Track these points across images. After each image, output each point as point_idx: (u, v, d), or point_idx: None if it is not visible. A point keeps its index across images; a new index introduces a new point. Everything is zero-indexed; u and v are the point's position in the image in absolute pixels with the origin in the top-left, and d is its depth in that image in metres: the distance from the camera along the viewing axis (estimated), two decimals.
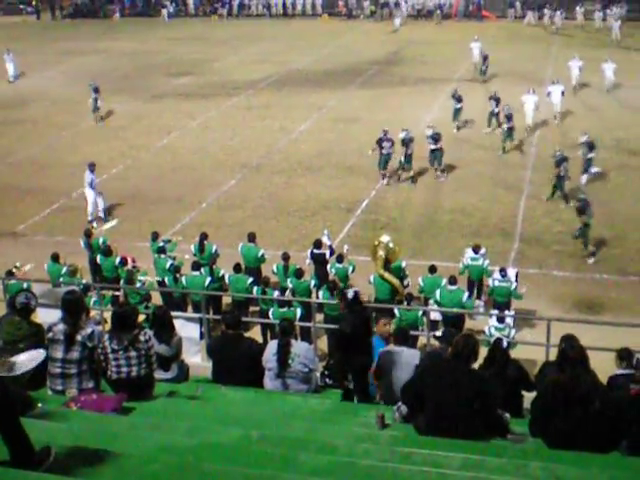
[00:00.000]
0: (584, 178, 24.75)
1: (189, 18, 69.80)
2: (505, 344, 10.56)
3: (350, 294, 11.19)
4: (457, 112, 31.14)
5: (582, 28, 54.27)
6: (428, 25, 60.42)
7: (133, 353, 8.60)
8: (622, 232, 21.62)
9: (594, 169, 25.21)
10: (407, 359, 9.75)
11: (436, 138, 25.76)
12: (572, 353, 7.93)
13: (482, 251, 17.63)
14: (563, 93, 32.45)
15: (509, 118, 28.27)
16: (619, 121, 31.85)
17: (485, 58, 40.17)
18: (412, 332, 13.96)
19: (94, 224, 19.56)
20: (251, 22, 66.41)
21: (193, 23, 65.95)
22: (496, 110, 30.12)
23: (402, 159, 25.60)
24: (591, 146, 24.87)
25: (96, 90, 33.96)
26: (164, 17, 67.84)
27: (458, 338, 8.21)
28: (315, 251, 17.67)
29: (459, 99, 30.96)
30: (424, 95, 37.00)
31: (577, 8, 56.34)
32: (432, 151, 25.94)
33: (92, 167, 23.44)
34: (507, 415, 8.24)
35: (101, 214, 23.56)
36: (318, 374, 11.46)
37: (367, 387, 10.60)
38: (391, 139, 25.71)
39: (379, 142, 25.78)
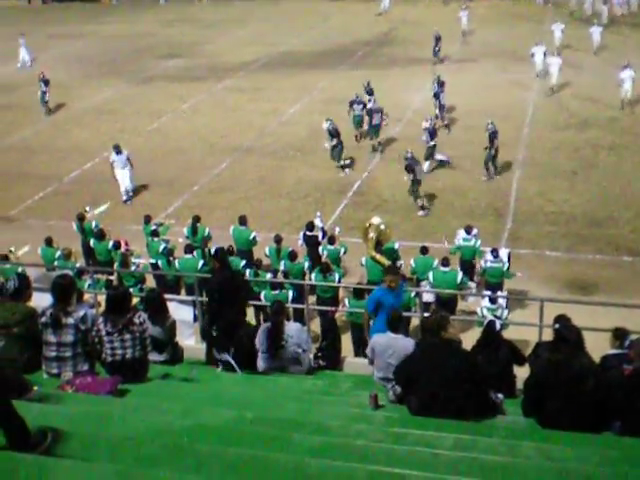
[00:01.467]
0: (426, 165, 24.50)
1: (177, 1, 69.24)
2: (498, 326, 10.57)
3: (212, 250, 11.34)
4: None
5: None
6: (419, 5, 60.03)
7: (127, 336, 8.61)
8: (615, 212, 21.68)
9: (440, 156, 25.13)
10: (400, 346, 9.69)
11: (333, 133, 25.36)
12: (567, 333, 7.95)
13: (474, 232, 17.65)
14: (545, 54, 35.10)
15: (437, 96, 29.00)
16: (612, 100, 31.80)
17: (438, 39, 39.21)
18: (405, 314, 14.04)
19: (87, 208, 19.53)
20: (240, 3, 66.00)
21: (184, 5, 65.46)
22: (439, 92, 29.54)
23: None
24: (432, 133, 24.72)
25: (46, 83, 33.00)
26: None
27: (426, 316, 8.42)
28: (307, 233, 17.69)
29: (370, 93, 29.40)
30: (415, 76, 36.93)
31: None
32: (332, 147, 25.49)
33: (117, 149, 23.61)
34: (500, 396, 8.29)
35: (124, 196, 23.83)
36: (311, 355, 11.51)
37: (242, 351, 10.51)
38: (362, 102, 27.73)
39: (351, 104, 28.05)
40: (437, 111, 29.16)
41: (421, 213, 22.07)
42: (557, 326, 8.73)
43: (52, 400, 7.52)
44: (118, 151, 23.55)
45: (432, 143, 24.60)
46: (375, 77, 31.93)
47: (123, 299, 8.90)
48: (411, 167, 21.94)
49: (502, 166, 25.05)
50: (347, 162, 25.89)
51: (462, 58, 40.68)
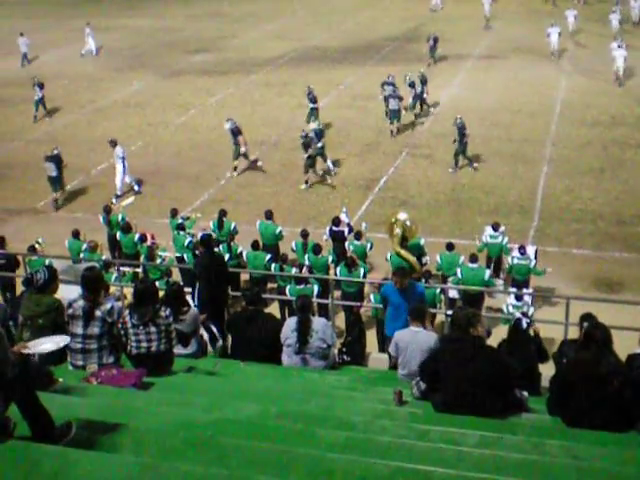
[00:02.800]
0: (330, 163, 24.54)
1: None
2: (525, 324, 10.48)
3: (200, 235, 14.13)
4: (312, 112, 28.60)
5: None
6: (447, 1, 59.65)
7: (153, 328, 8.65)
8: None
9: (329, 164, 24.70)
10: (422, 341, 9.62)
11: (235, 132, 25.22)
12: (595, 332, 7.89)
13: (501, 229, 17.59)
14: (560, 34, 38.71)
15: (411, 86, 29.70)
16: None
17: (435, 41, 38.22)
18: (430, 310, 14.01)
19: (113, 200, 19.66)
20: None
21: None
22: (419, 90, 29.94)
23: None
24: (318, 134, 24.44)
25: (41, 87, 31.62)
26: None
27: (455, 311, 8.36)
28: (334, 228, 17.69)
29: (313, 99, 28.84)
30: (443, 72, 36.83)
31: None
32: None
33: (111, 143, 23.77)
34: (525, 393, 8.25)
35: (119, 191, 23.86)
36: (335, 350, 11.50)
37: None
38: (392, 83, 29.24)
39: (382, 85, 29.64)
40: (411, 100, 29.73)
41: (303, 186, 24.00)
42: (585, 325, 8.67)
43: (77, 392, 7.57)
44: (113, 145, 23.73)
45: (320, 144, 24.25)
46: (403, 73, 31.85)
47: (150, 292, 8.95)
48: (307, 145, 23.95)
49: (529, 163, 24.97)
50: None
51: (490, 54, 40.48)
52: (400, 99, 27.84)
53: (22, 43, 41.84)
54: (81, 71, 40.21)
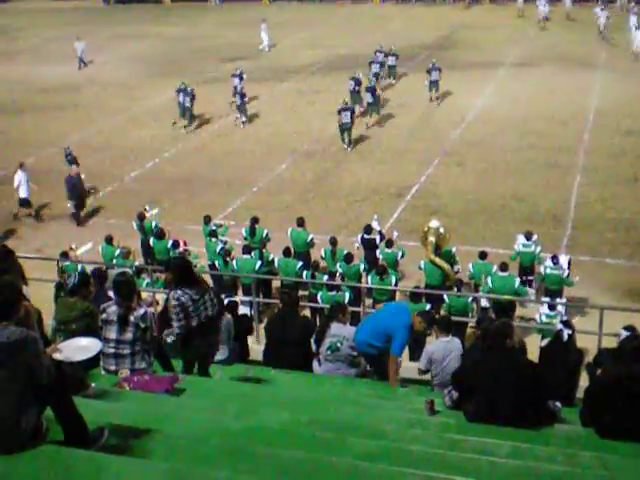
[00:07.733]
0: None
1: (238, 2, 69.49)
2: (566, 336, 10.35)
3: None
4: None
5: None
6: (477, 9, 59.51)
7: (207, 296, 9.17)
8: None
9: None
10: (457, 347, 9.83)
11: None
12: (630, 344, 7.80)
13: (534, 238, 17.47)
14: (608, 18, 45.10)
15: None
16: None
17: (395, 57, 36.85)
18: (462, 319, 13.98)
19: (146, 207, 19.73)
20: (302, 6, 66.20)
21: (244, 7, 65.76)
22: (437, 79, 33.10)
23: None
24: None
25: None
26: (215, 1, 68.22)
27: (489, 322, 8.44)
28: (365, 236, 17.66)
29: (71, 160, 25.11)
30: (475, 80, 36.70)
31: None
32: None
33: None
34: (558, 404, 8.19)
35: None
36: None
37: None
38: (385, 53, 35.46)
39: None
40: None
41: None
42: (624, 337, 8.60)
43: (109, 397, 7.60)
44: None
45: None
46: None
47: (189, 267, 9.45)
48: (71, 158, 24.19)
49: (562, 172, 24.83)
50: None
51: (523, 62, 40.32)
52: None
53: (78, 47, 43.64)
54: (114, 78, 40.50)
